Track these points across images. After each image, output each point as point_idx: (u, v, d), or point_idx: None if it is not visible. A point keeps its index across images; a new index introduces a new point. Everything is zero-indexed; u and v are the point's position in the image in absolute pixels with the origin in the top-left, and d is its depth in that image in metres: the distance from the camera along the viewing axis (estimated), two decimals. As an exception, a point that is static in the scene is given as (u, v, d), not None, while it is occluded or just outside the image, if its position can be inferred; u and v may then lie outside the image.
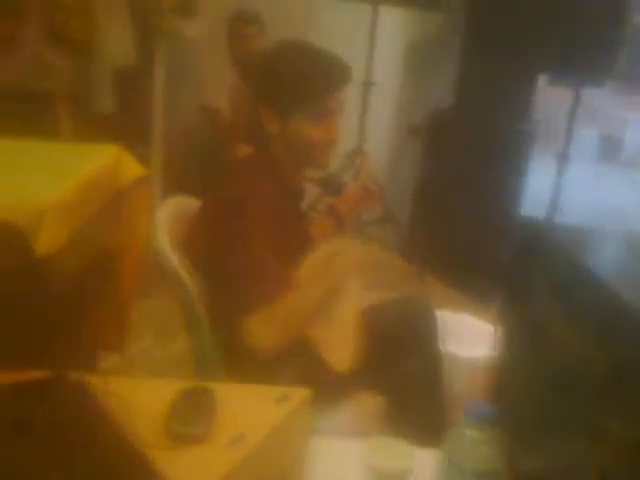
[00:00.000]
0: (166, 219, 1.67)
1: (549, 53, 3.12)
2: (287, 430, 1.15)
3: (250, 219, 1.51)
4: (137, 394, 1.15)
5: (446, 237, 3.53)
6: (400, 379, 1.66)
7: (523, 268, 1.46)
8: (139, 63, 3.33)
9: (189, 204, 1.75)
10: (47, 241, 1.57)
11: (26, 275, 1.50)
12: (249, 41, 3.52)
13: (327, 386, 1.46)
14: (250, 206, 1.52)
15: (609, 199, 5.19)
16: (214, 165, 3.12)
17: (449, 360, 1.88)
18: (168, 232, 1.63)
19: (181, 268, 1.56)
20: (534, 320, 1.32)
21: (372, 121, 3.86)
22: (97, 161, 1.99)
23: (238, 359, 1.47)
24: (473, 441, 1.06)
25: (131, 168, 2.11)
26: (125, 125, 3.13)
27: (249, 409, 1.16)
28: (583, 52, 2.99)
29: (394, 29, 4.04)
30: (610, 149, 7.09)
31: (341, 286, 1.58)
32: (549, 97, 3.78)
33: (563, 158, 3.00)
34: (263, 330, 1.42)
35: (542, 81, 3.63)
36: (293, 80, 1.57)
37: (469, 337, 2.46)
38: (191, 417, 1.07)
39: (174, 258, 1.57)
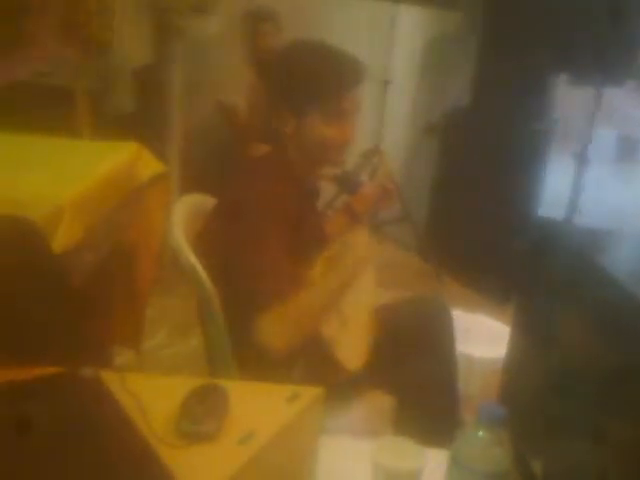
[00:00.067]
0: (182, 216, 1.68)
1: (567, 52, 3.10)
2: (297, 429, 1.15)
3: (264, 217, 1.51)
4: (150, 391, 1.16)
5: (462, 237, 3.51)
6: (414, 379, 1.66)
7: (537, 268, 1.45)
8: (157, 61, 3.36)
9: (205, 201, 1.76)
10: (64, 238, 1.58)
11: (42, 271, 1.51)
12: (265, 39, 3.53)
13: (339, 385, 1.46)
14: (265, 204, 1.53)
15: (627, 200, 5.13)
16: (230, 163, 3.13)
17: (463, 360, 1.88)
18: (184, 229, 1.64)
19: (197, 265, 1.57)
20: (547, 321, 1.31)
21: (389, 120, 3.85)
22: (116, 158, 2.00)
23: (251, 357, 1.47)
24: (484, 442, 1.06)
25: (149, 165, 2.12)
26: (143, 123, 3.15)
27: (260, 407, 1.17)
28: (602, 51, 2.96)
29: (412, 28, 4.03)
30: (628, 149, 7.02)
31: (354, 284, 1.58)
32: (567, 97, 3.75)
33: (581, 158, 2.98)
34: (275, 329, 1.42)
35: (560, 80, 3.60)
36: (306, 79, 1.57)
37: (484, 338, 2.46)
38: (202, 415, 1.08)
39: (190, 255, 1.58)
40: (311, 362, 1.56)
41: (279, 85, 1.63)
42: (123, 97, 3.30)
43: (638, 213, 4.62)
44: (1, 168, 1.78)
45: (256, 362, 1.44)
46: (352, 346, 1.58)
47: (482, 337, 2.48)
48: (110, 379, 1.17)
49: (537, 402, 1.26)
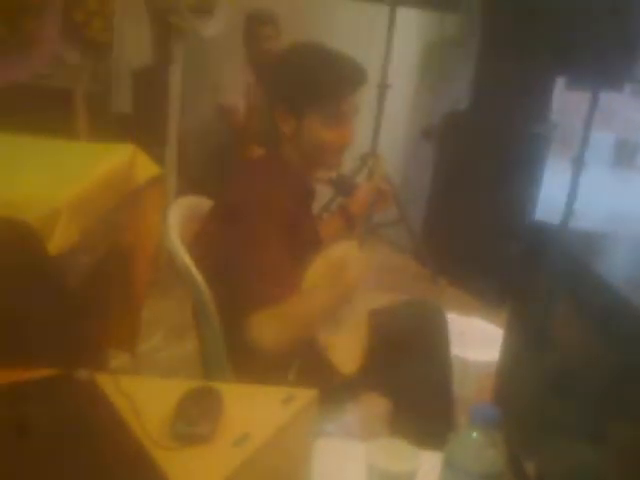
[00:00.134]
0: (178, 218, 1.68)
1: (566, 56, 3.10)
2: (292, 431, 1.15)
3: (262, 219, 1.51)
4: (144, 393, 1.17)
5: (458, 240, 3.52)
6: (408, 382, 1.66)
7: (532, 271, 1.45)
8: (156, 63, 3.36)
9: (201, 204, 1.77)
10: (60, 240, 1.58)
11: (38, 273, 1.52)
12: (264, 41, 3.54)
13: (334, 388, 1.47)
14: (263, 206, 1.53)
15: (625, 204, 5.14)
16: (229, 165, 3.14)
17: (458, 363, 1.88)
18: (180, 231, 1.64)
19: (192, 267, 1.58)
20: (541, 324, 1.32)
21: (387, 122, 3.85)
22: (112, 160, 2.00)
23: (246, 360, 1.47)
24: (478, 443, 1.06)
25: (146, 168, 2.12)
26: (142, 124, 3.16)
27: (255, 409, 1.17)
28: (601, 54, 2.97)
29: (411, 31, 4.04)
30: (626, 153, 7.03)
31: (350, 292, 1.58)
32: (565, 100, 3.75)
33: (578, 162, 2.98)
34: (266, 328, 1.42)
35: (559, 84, 3.61)
36: (306, 82, 1.58)
37: (479, 341, 2.46)
38: (196, 417, 1.08)
39: (186, 257, 1.59)
40: (306, 366, 1.56)
41: (279, 87, 1.64)
42: (122, 98, 3.31)
43: (634, 217, 4.63)
44: (-3, 169, 1.79)
45: (251, 365, 1.44)
46: (347, 350, 1.59)
47: (477, 340, 2.48)
48: (105, 381, 1.18)
49: (531, 404, 1.27)
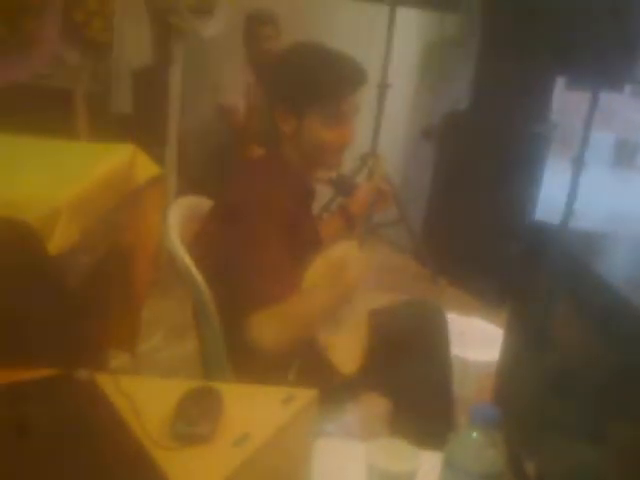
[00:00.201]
0: (178, 218, 1.68)
1: (566, 56, 3.10)
2: (292, 431, 1.15)
3: (263, 219, 1.52)
4: (144, 393, 1.17)
5: (458, 240, 3.52)
6: (408, 382, 1.66)
7: (532, 271, 1.45)
8: (156, 63, 3.36)
9: (201, 204, 1.77)
10: (60, 240, 1.58)
11: (38, 273, 1.52)
12: (264, 41, 3.54)
13: (334, 388, 1.47)
14: (263, 206, 1.53)
15: (625, 204, 5.14)
16: (229, 165, 3.14)
17: (458, 363, 1.88)
18: (180, 231, 1.64)
19: (192, 267, 1.58)
20: (541, 324, 1.32)
21: (387, 122, 3.86)
22: (112, 160, 2.00)
23: (246, 360, 1.47)
24: (478, 443, 1.06)
25: (146, 168, 2.13)
26: (143, 124, 3.16)
27: (255, 409, 1.17)
28: (601, 55, 2.97)
29: (411, 31, 4.04)
30: (626, 153, 7.04)
31: (350, 292, 1.58)
32: (565, 100, 3.76)
33: (578, 162, 2.98)
34: (265, 327, 1.42)
35: (559, 84, 3.61)
36: (306, 82, 1.58)
37: (479, 341, 2.46)
38: (196, 417, 1.08)
39: (186, 257, 1.59)
40: (306, 366, 1.56)
41: (278, 88, 1.64)
42: (122, 98, 3.31)
43: (634, 217, 4.63)
44: (-2, 169, 1.79)
45: (251, 365, 1.44)
46: (347, 350, 1.59)
47: (477, 340, 2.48)
48: (105, 381, 1.18)
49: (531, 404, 1.27)
